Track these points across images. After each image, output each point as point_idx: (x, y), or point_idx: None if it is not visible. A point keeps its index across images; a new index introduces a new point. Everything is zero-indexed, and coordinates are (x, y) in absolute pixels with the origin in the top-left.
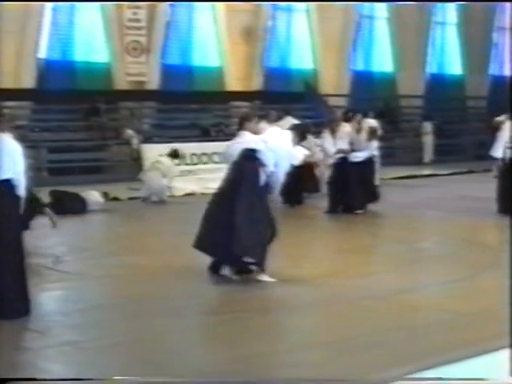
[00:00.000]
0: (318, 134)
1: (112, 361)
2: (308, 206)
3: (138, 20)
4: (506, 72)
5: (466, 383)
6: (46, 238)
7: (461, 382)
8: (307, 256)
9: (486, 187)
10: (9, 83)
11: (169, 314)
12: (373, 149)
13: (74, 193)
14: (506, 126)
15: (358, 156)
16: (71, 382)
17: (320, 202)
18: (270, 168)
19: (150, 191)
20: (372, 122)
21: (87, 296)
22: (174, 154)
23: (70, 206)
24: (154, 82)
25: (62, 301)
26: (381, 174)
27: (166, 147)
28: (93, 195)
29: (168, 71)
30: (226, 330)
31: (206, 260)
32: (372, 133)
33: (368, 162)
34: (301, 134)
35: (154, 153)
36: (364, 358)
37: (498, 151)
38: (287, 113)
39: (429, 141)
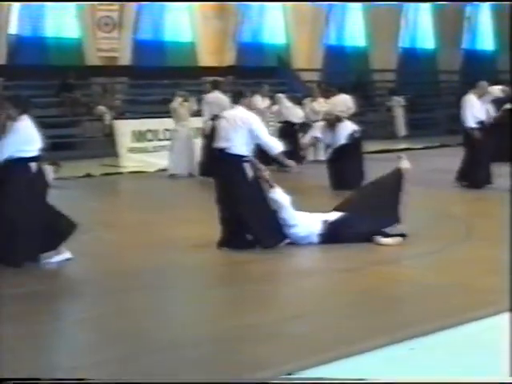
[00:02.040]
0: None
1: (101, 332)
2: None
3: None
4: (479, 46)
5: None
6: None
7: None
8: None
9: (459, 161)
10: None
11: (158, 286)
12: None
13: None
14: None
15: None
16: (71, 382)
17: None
18: None
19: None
20: (347, 98)
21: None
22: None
23: None
24: (125, 57)
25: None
26: None
27: (139, 123)
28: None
29: (140, 47)
30: (216, 301)
31: (182, 234)
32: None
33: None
34: None
35: (127, 129)
36: (338, 330)
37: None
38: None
39: (399, 115)
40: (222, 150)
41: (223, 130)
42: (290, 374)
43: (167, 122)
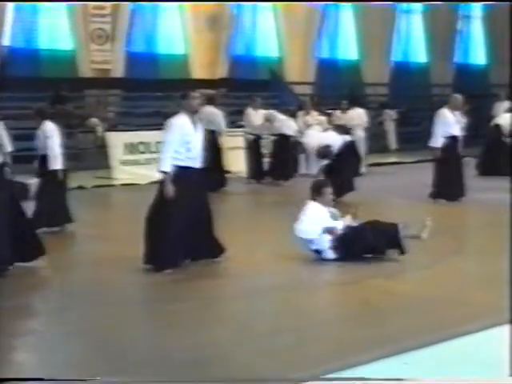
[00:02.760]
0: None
1: (68, 349)
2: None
3: (102, 7)
4: (471, 59)
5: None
6: None
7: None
8: (264, 242)
9: None
10: None
11: (124, 302)
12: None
13: (19, 181)
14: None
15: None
16: (70, 382)
17: None
18: None
19: None
20: (361, 112)
21: None
22: None
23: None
24: (118, 69)
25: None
26: None
27: (131, 135)
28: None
29: (133, 59)
30: (184, 317)
31: None
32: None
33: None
34: None
35: (119, 141)
36: (330, 343)
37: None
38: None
39: (391, 128)
40: None
41: None
42: None
43: (159, 135)
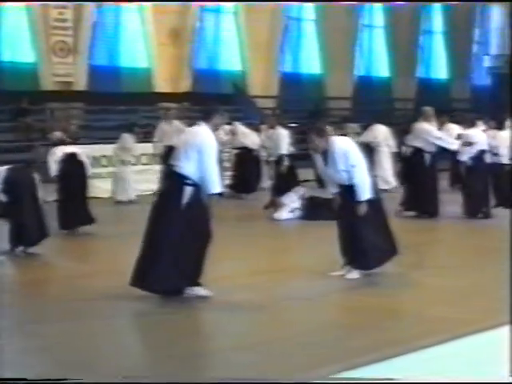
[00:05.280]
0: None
1: (42, 363)
2: None
3: (64, 20)
4: (433, 74)
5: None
6: None
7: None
8: (235, 257)
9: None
10: None
11: (98, 316)
12: None
13: None
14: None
15: None
16: (72, 382)
17: None
18: None
19: None
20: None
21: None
22: None
23: None
24: (81, 82)
25: None
26: (306, 176)
27: (94, 148)
28: None
29: (95, 72)
30: (158, 331)
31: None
32: None
33: None
34: None
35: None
36: (297, 358)
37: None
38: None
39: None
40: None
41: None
42: None
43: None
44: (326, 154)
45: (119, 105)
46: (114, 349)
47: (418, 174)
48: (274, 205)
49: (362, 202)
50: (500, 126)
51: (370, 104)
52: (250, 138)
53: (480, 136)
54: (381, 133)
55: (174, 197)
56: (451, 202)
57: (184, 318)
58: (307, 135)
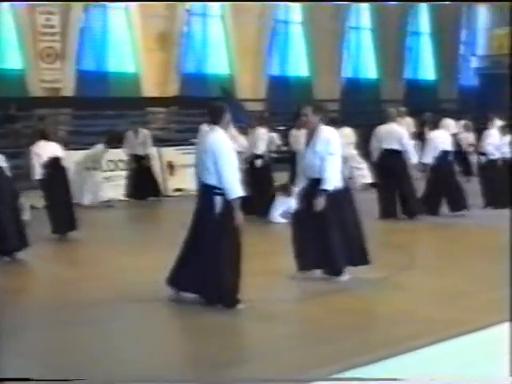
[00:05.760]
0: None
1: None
2: None
3: (51, 26)
4: (420, 76)
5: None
6: None
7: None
8: None
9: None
10: None
11: (89, 321)
12: None
13: None
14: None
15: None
16: (71, 382)
17: None
18: None
19: None
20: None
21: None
22: None
23: None
24: (69, 88)
25: None
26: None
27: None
28: None
29: (83, 77)
30: (151, 335)
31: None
32: None
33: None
34: None
35: (70, 159)
36: (284, 360)
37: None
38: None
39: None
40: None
41: None
42: None
43: (111, 153)
44: (311, 135)
45: (107, 110)
46: (105, 354)
47: (395, 175)
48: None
49: (323, 193)
50: (485, 126)
51: (358, 106)
52: (238, 141)
53: (444, 137)
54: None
55: (206, 208)
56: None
57: (179, 321)
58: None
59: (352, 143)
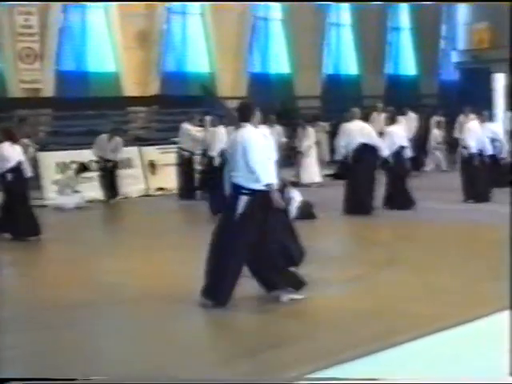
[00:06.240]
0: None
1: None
2: None
3: (30, 26)
4: (401, 71)
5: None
6: None
7: None
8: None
9: (381, 187)
10: None
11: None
12: None
13: None
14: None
15: None
16: (72, 382)
17: None
18: None
19: None
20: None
21: None
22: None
23: None
24: (48, 88)
25: None
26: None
27: (63, 154)
28: None
29: (63, 77)
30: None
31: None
32: None
33: None
34: None
35: (51, 160)
36: (264, 359)
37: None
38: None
39: (324, 141)
40: None
41: None
42: None
43: (91, 154)
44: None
45: (88, 110)
46: (85, 355)
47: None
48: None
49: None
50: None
51: (340, 102)
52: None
53: (400, 132)
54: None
55: (232, 207)
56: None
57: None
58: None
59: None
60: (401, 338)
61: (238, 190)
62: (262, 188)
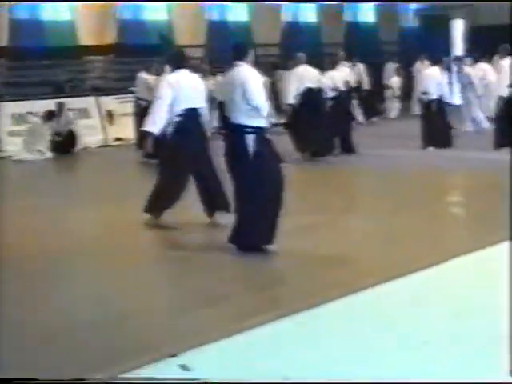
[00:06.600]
0: None
1: None
2: None
3: None
4: (360, 18)
5: None
6: None
7: None
8: None
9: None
10: None
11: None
12: None
13: None
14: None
15: None
16: (72, 382)
17: None
18: None
19: None
20: None
21: None
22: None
23: None
24: (2, 38)
25: None
26: None
27: (19, 105)
28: None
29: (17, 26)
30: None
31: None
32: None
33: None
34: None
35: (6, 111)
36: (217, 310)
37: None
38: None
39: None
40: None
41: None
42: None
43: (48, 104)
44: None
45: (43, 60)
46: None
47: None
48: None
49: None
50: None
51: (299, 49)
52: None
53: (338, 77)
54: None
55: (239, 149)
56: None
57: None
58: None
59: None
60: (362, 283)
61: (241, 130)
62: (265, 125)
